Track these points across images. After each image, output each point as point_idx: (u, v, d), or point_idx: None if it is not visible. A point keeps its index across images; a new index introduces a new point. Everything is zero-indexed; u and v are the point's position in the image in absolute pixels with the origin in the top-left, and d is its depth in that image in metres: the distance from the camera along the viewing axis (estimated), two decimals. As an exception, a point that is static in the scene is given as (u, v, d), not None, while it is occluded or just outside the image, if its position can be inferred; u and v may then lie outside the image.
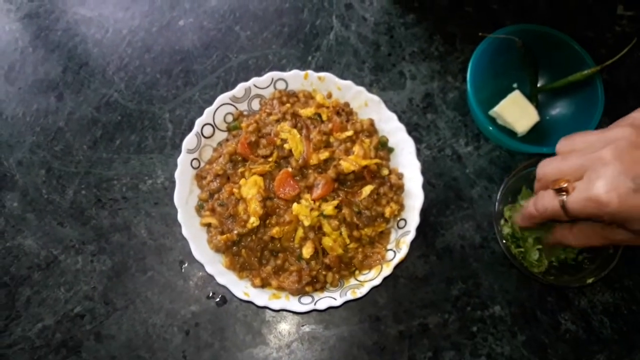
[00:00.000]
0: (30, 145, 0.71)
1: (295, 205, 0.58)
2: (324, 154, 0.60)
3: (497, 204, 0.62)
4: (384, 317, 0.64)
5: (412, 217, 0.60)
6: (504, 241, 0.61)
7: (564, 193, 0.47)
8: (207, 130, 0.64)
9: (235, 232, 0.58)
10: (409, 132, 0.64)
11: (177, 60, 0.76)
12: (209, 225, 0.60)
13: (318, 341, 0.63)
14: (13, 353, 0.62)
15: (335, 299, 0.57)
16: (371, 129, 0.65)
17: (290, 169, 0.60)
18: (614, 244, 0.54)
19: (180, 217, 0.59)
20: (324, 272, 0.59)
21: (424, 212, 0.61)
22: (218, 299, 0.64)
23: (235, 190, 0.59)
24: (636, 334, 0.64)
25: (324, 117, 0.64)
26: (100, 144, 0.71)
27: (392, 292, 0.65)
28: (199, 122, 0.63)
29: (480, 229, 0.68)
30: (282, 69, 0.74)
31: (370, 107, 0.66)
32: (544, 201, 0.50)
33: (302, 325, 0.64)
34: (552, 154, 0.63)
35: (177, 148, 0.70)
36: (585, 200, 0.43)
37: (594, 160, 0.45)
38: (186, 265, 0.66)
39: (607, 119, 0.69)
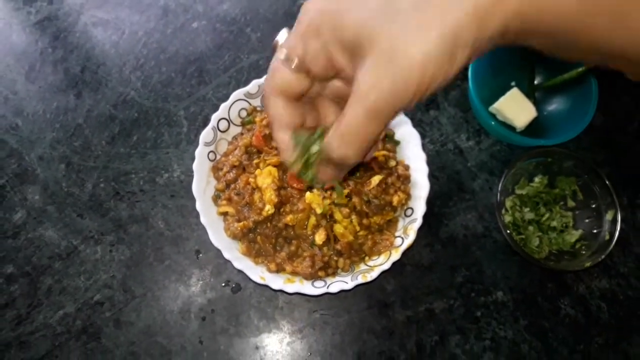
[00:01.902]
0: (50, 141, 0.74)
1: (308, 194, 0.61)
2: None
3: (498, 194, 0.65)
4: (392, 303, 0.67)
5: (419, 205, 0.64)
6: (508, 232, 0.64)
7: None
8: (223, 125, 0.67)
9: (251, 219, 0.61)
10: (414, 128, 0.67)
11: (191, 61, 0.79)
12: (225, 214, 0.63)
13: (329, 326, 0.66)
14: (35, 340, 0.65)
15: (346, 283, 0.60)
16: (379, 123, 0.68)
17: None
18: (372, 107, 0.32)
19: (198, 206, 0.62)
20: (335, 258, 0.62)
21: (429, 204, 0.64)
22: (233, 286, 0.67)
23: (251, 180, 0.62)
24: (632, 318, 0.67)
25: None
26: (118, 140, 0.74)
27: (400, 279, 0.68)
28: (215, 117, 0.66)
29: (482, 219, 0.71)
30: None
31: (378, 102, 0.69)
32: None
33: (314, 312, 0.66)
34: (550, 147, 0.68)
35: (192, 143, 0.73)
36: (306, 30, 0.31)
37: None
38: (202, 254, 0.68)
39: (601, 114, 0.73)
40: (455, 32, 0.27)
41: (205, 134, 0.65)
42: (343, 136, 0.32)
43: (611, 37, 0.29)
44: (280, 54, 0.32)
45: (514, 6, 0.28)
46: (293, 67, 0.32)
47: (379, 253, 0.63)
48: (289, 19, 0.82)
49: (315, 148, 0.36)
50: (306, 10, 0.31)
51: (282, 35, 0.33)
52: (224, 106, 0.67)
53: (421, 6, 0.27)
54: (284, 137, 0.36)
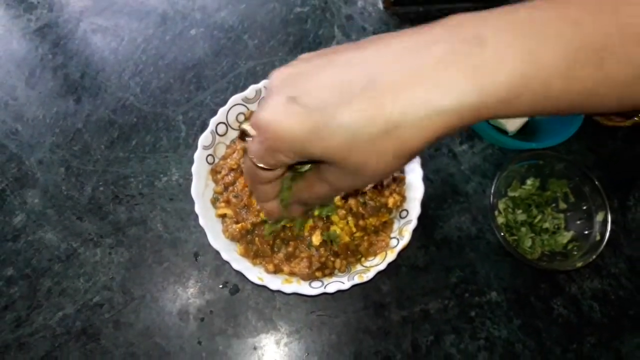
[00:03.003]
0: (50, 145, 0.75)
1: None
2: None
3: (491, 197, 0.67)
4: (387, 304, 0.68)
5: (414, 207, 0.65)
6: (502, 234, 0.65)
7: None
8: (221, 129, 0.68)
9: (250, 221, 0.62)
10: (409, 131, 0.69)
11: (190, 67, 0.80)
12: (224, 216, 0.64)
13: (326, 327, 0.67)
14: (35, 341, 0.65)
15: (343, 283, 0.61)
16: (374, 127, 0.69)
17: (299, 163, 0.65)
18: (324, 197, 0.41)
19: (197, 209, 0.63)
20: (332, 259, 0.63)
21: (423, 206, 0.65)
22: (231, 288, 0.68)
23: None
24: (624, 317, 0.68)
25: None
26: (117, 144, 0.75)
27: (395, 280, 0.69)
28: (213, 121, 0.67)
29: (475, 221, 0.72)
30: (289, 74, 0.79)
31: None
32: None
33: (311, 312, 0.67)
34: (542, 150, 0.69)
35: (190, 148, 0.74)
36: (254, 132, 0.35)
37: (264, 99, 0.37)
38: (200, 256, 0.69)
39: (590, 119, 0.75)
40: (408, 152, 0.32)
41: (204, 138, 0.66)
42: (315, 198, 0.41)
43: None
44: (252, 162, 0.37)
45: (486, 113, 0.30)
46: (264, 171, 0.38)
47: (375, 254, 0.64)
48: (285, 26, 0.84)
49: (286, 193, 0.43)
50: (266, 126, 0.33)
51: (246, 126, 0.35)
52: (222, 110, 0.68)
53: (380, 139, 0.31)
54: (273, 206, 0.43)
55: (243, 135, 0.38)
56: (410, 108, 0.29)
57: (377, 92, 0.30)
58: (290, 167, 0.40)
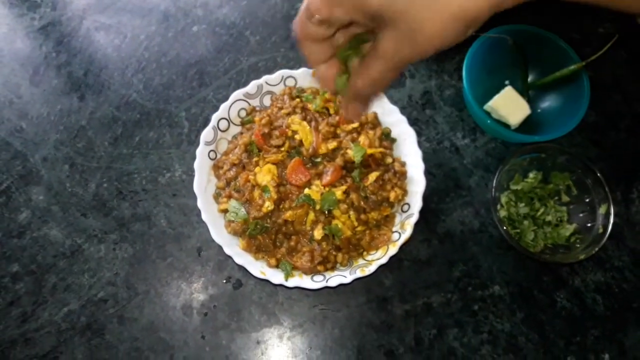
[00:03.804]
0: (54, 142, 0.76)
1: (306, 190, 0.62)
2: (332, 144, 0.65)
3: (493, 190, 0.67)
4: (390, 298, 0.68)
5: (415, 201, 0.65)
6: (504, 228, 0.65)
7: None
8: (223, 124, 0.68)
9: (252, 216, 0.62)
10: (410, 126, 0.69)
11: (192, 63, 0.81)
12: (226, 211, 0.65)
13: (329, 320, 0.67)
14: (40, 336, 0.66)
15: (345, 277, 0.61)
16: (375, 122, 0.70)
17: (301, 158, 0.65)
18: (394, 63, 0.38)
19: (199, 204, 0.63)
20: (334, 253, 0.63)
21: (426, 200, 0.65)
22: (234, 282, 0.68)
23: (250, 177, 0.63)
24: (627, 310, 0.68)
25: (332, 111, 0.69)
26: (121, 141, 0.76)
27: (398, 274, 0.69)
28: (215, 117, 0.68)
29: (478, 215, 0.72)
30: (290, 69, 0.79)
31: (374, 101, 0.71)
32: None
33: (314, 306, 0.67)
34: (544, 143, 0.69)
35: (193, 144, 0.75)
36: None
37: None
38: (203, 251, 0.70)
39: (593, 112, 0.75)
40: (470, 17, 0.32)
41: (206, 134, 0.67)
42: (370, 81, 0.39)
43: None
44: (306, 13, 0.36)
45: None
46: (317, 23, 0.36)
47: (377, 248, 0.64)
48: (286, 22, 0.84)
49: (351, 53, 0.41)
50: None
51: None
52: (224, 106, 0.68)
53: None
54: (324, 71, 0.41)
55: None
56: None
57: None
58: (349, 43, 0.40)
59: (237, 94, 0.69)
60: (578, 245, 0.66)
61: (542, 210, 0.69)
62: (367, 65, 0.38)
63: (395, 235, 0.64)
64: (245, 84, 0.71)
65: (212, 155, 0.68)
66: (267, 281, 0.61)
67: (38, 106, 0.78)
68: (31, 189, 0.73)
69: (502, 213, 0.69)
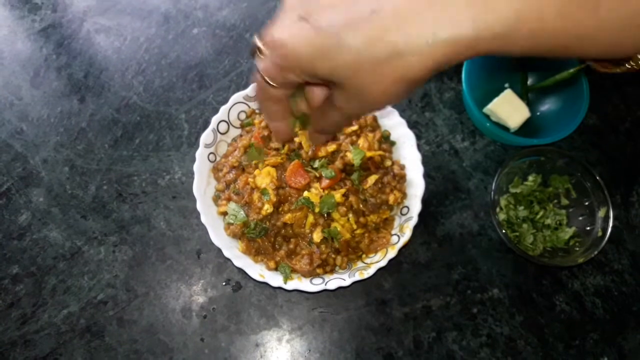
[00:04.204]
0: (54, 144, 0.76)
1: (306, 193, 0.62)
2: (332, 147, 0.65)
3: (492, 193, 0.67)
4: (389, 301, 0.68)
5: (415, 204, 0.65)
6: (503, 231, 0.65)
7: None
8: (223, 127, 0.69)
9: (251, 218, 0.62)
10: (409, 129, 0.69)
11: (192, 66, 0.81)
12: (225, 213, 0.65)
13: (328, 323, 0.67)
14: (40, 338, 0.66)
15: (344, 280, 0.61)
16: (374, 124, 0.70)
17: (300, 161, 0.65)
18: (348, 116, 0.41)
19: (199, 206, 0.63)
20: (333, 256, 0.63)
21: (425, 203, 0.66)
22: (233, 285, 0.68)
23: (250, 180, 0.63)
24: (626, 314, 0.68)
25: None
26: (121, 143, 0.76)
27: (397, 277, 0.69)
28: (215, 119, 0.68)
29: (477, 218, 0.72)
30: (290, 72, 0.80)
31: (374, 104, 0.71)
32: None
33: (313, 309, 0.67)
34: (543, 146, 0.69)
35: (192, 146, 0.75)
36: (265, 49, 0.36)
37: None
38: (203, 254, 0.70)
39: (593, 115, 0.75)
40: (411, 80, 0.33)
41: (206, 136, 0.67)
42: (329, 125, 0.43)
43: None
44: (262, 79, 0.38)
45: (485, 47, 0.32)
46: (273, 87, 0.38)
47: (376, 251, 0.64)
48: (287, 24, 0.84)
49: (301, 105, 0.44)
50: (276, 43, 0.35)
51: (257, 42, 0.37)
52: (223, 109, 0.68)
53: (383, 63, 0.33)
54: (280, 126, 0.44)
55: (254, 51, 0.38)
56: (412, 37, 0.31)
57: (383, 19, 0.31)
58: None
59: (237, 96, 0.69)
60: (577, 249, 0.66)
61: (541, 213, 0.69)
62: (325, 114, 0.42)
63: (394, 238, 0.64)
64: (245, 86, 0.71)
65: (212, 157, 0.68)
66: (266, 284, 0.61)
67: (38, 108, 0.78)
68: (31, 190, 0.73)
69: (502, 216, 0.69)
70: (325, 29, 0.32)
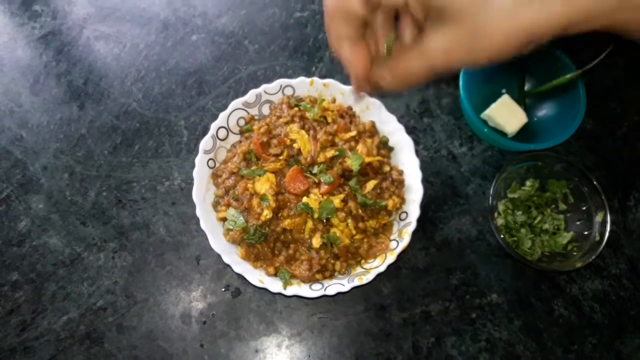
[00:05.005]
0: (54, 151, 0.76)
1: (305, 199, 0.63)
2: (330, 153, 0.66)
3: (490, 199, 0.67)
4: (388, 306, 0.68)
5: (413, 209, 0.65)
6: (502, 236, 0.65)
7: None
8: (222, 133, 0.69)
9: (250, 224, 0.63)
10: (407, 134, 0.69)
11: (191, 72, 0.81)
12: (225, 219, 0.65)
13: (327, 329, 0.67)
14: (39, 345, 0.66)
15: (343, 285, 0.61)
16: (373, 130, 0.70)
17: (299, 166, 0.65)
18: (433, 61, 0.35)
19: (198, 212, 0.63)
20: (332, 261, 0.64)
21: (423, 208, 0.66)
22: (233, 291, 0.68)
23: (249, 186, 0.64)
24: (624, 318, 0.68)
25: (329, 120, 0.69)
26: (120, 149, 0.76)
27: (396, 282, 0.69)
28: (214, 125, 0.68)
29: (476, 223, 0.72)
30: (289, 78, 0.80)
31: (372, 110, 0.71)
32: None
33: (312, 315, 0.67)
34: (541, 151, 0.70)
35: (192, 152, 0.75)
36: None
37: None
38: (202, 260, 0.70)
39: (590, 120, 0.75)
40: (537, 33, 0.32)
41: (205, 142, 0.67)
42: (396, 77, 0.36)
43: None
44: None
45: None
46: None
47: (375, 256, 0.65)
48: (285, 31, 0.84)
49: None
50: None
51: None
52: (223, 115, 0.69)
53: (516, 4, 0.31)
54: (356, 52, 0.38)
55: None
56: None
57: None
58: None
59: (236, 102, 0.70)
60: (575, 253, 0.67)
61: (539, 218, 0.70)
62: (404, 59, 0.35)
63: (393, 244, 0.65)
64: (244, 93, 0.72)
65: (211, 163, 0.68)
66: (266, 290, 0.61)
67: (38, 115, 0.79)
68: (31, 197, 0.73)
69: (500, 221, 0.69)
70: None
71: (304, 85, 0.72)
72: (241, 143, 0.69)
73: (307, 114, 0.69)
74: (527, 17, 0.31)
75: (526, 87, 0.77)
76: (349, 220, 0.63)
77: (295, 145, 0.66)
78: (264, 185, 0.63)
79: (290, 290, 0.61)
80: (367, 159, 0.65)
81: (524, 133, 0.74)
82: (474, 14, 0.31)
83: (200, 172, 0.66)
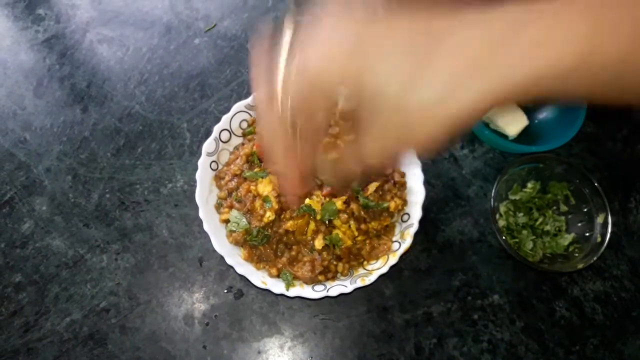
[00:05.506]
0: (57, 153, 0.77)
1: (307, 200, 0.63)
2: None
3: (492, 200, 0.67)
4: (390, 307, 0.68)
5: (415, 211, 0.66)
6: (503, 237, 0.65)
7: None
8: (225, 135, 0.69)
9: (253, 226, 0.63)
10: (410, 136, 0.70)
11: (194, 75, 0.82)
12: (227, 221, 0.65)
13: (330, 330, 0.67)
14: (43, 346, 0.66)
15: (346, 286, 0.61)
16: (375, 132, 0.70)
17: (302, 169, 0.65)
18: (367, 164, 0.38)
19: (201, 214, 0.64)
20: (335, 262, 0.64)
21: (425, 210, 0.66)
22: (235, 292, 0.69)
23: (252, 188, 0.64)
24: (626, 319, 0.68)
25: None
26: (123, 152, 0.77)
27: (398, 284, 0.69)
28: (217, 128, 0.68)
29: (477, 225, 0.73)
30: (291, 81, 0.80)
31: (374, 112, 0.72)
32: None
33: (315, 316, 0.68)
34: (542, 153, 0.70)
35: (194, 154, 0.76)
36: (297, 75, 0.33)
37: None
38: (205, 261, 0.70)
39: (591, 122, 0.76)
40: (469, 116, 0.31)
41: (208, 145, 0.68)
42: (338, 178, 0.40)
43: None
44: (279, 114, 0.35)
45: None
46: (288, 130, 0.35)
47: (377, 257, 0.65)
48: (287, 34, 0.85)
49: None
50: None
51: (286, 37, 0.34)
52: (225, 117, 0.69)
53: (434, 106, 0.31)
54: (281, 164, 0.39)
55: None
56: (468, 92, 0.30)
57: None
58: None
59: (239, 105, 0.70)
60: (576, 255, 0.67)
61: (540, 219, 0.70)
62: (343, 163, 0.39)
63: (395, 245, 0.65)
64: (246, 95, 0.72)
65: (214, 166, 0.69)
66: (268, 291, 0.61)
67: (42, 117, 0.79)
68: (34, 199, 0.74)
69: (501, 223, 0.69)
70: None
71: (306, 88, 0.72)
72: (244, 145, 0.69)
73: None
74: (451, 110, 0.31)
75: (527, 90, 0.78)
76: (351, 222, 0.64)
77: (296, 148, 0.66)
78: (266, 187, 0.63)
79: (293, 292, 0.61)
80: (369, 161, 0.65)
81: (525, 135, 0.75)
82: (397, 114, 0.32)
83: (203, 174, 0.67)
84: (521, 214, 0.70)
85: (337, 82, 0.32)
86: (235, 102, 0.71)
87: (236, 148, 0.71)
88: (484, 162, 0.76)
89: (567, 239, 0.69)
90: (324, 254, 0.63)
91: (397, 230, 0.67)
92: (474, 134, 0.77)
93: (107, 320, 0.67)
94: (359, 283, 0.61)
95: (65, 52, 0.84)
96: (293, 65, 0.33)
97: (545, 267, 0.66)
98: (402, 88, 0.31)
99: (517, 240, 0.69)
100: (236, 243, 0.64)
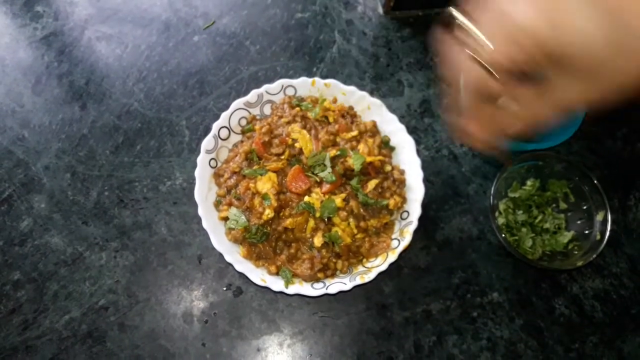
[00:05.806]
0: (56, 151, 0.76)
1: (306, 198, 0.63)
2: (332, 152, 0.66)
3: (491, 198, 0.67)
4: (390, 305, 0.68)
5: (414, 208, 0.65)
6: (503, 235, 0.65)
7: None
8: (223, 133, 0.69)
9: (252, 223, 0.63)
10: (409, 134, 0.70)
11: (193, 73, 0.82)
12: (226, 218, 0.65)
13: (329, 328, 0.67)
14: (42, 344, 0.66)
15: (345, 284, 0.61)
16: (374, 130, 0.70)
17: (301, 166, 0.65)
18: (563, 108, 0.38)
19: (200, 212, 0.64)
20: (334, 260, 0.64)
21: (425, 208, 0.66)
22: (234, 290, 0.68)
23: (251, 185, 0.64)
24: (625, 317, 0.68)
25: (331, 119, 0.70)
26: (122, 149, 0.76)
27: (397, 282, 0.69)
28: (216, 125, 0.68)
29: (477, 222, 0.73)
30: (290, 79, 0.80)
31: (373, 110, 0.72)
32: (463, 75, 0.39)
33: (314, 314, 0.68)
34: (541, 151, 0.70)
35: (193, 152, 0.75)
36: (505, 37, 0.33)
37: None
38: (204, 259, 0.70)
39: (590, 120, 0.76)
40: None
41: (207, 142, 0.68)
42: (527, 124, 0.40)
43: None
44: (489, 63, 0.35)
45: None
46: (498, 75, 0.35)
47: (376, 255, 0.65)
48: (286, 31, 0.85)
49: None
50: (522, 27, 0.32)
51: (458, 15, 0.34)
52: (224, 115, 0.69)
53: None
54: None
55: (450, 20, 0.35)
56: None
57: None
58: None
59: (238, 102, 0.70)
60: (576, 252, 0.67)
61: (540, 217, 0.70)
62: (533, 108, 0.38)
63: (394, 243, 0.65)
64: (245, 93, 0.72)
65: (213, 163, 0.68)
66: (268, 288, 0.61)
67: (40, 115, 0.79)
68: (33, 197, 0.74)
69: (501, 220, 0.69)
70: None
71: (305, 86, 0.72)
72: (243, 143, 0.69)
73: (309, 114, 0.69)
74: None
75: (526, 87, 0.78)
76: (351, 219, 0.64)
77: (296, 144, 0.66)
78: (265, 184, 0.63)
79: (292, 289, 0.61)
80: (369, 159, 0.65)
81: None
82: (605, 65, 0.32)
83: (202, 171, 0.67)
84: (521, 212, 0.70)
85: (542, 28, 0.32)
86: (234, 99, 0.71)
87: (235, 145, 0.71)
88: (484, 159, 0.76)
89: (566, 236, 0.69)
90: (323, 251, 0.63)
91: (396, 227, 0.67)
92: (474, 132, 0.77)
93: (106, 318, 0.67)
94: (358, 281, 0.61)
95: (63, 49, 0.84)
96: (492, 26, 0.34)
97: (545, 264, 0.66)
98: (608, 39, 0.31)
99: (516, 237, 0.69)
100: (235, 240, 0.64)
